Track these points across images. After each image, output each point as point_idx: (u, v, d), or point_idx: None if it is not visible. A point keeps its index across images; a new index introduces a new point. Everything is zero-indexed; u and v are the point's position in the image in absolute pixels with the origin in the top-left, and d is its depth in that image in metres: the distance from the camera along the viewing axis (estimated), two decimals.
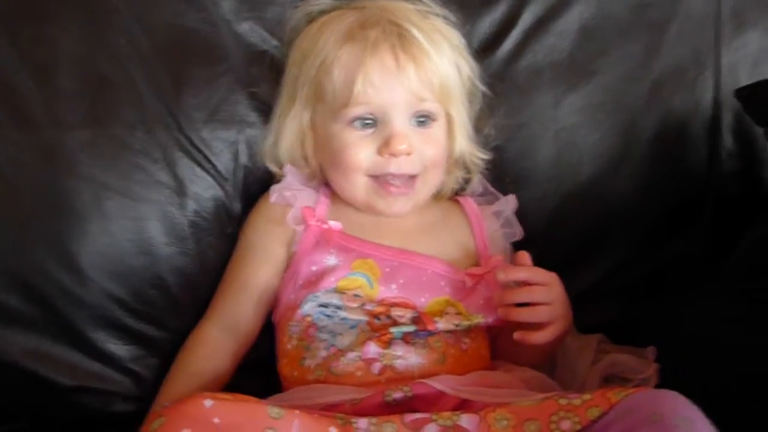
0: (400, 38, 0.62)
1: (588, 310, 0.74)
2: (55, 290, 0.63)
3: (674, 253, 0.78)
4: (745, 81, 0.77)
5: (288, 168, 0.68)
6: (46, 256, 0.62)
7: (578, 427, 0.49)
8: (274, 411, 0.48)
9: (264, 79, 0.69)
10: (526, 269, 0.61)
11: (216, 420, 0.45)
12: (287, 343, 0.63)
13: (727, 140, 0.77)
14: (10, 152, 0.62)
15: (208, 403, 0.46)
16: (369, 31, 0.62)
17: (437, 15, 0.69)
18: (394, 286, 0.63)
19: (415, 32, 0.63)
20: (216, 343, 0.64)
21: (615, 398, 0.50)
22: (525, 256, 0.62)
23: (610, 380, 0.66)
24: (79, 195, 0.62)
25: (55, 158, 0.62)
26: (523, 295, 0.60)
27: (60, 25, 0.64)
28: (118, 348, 0.65)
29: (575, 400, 0.51)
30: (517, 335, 0.60)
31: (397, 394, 0.55)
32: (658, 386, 0.64)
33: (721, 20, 0.77)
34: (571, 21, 0.74)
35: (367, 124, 0.63)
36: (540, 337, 0.59)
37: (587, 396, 0.51)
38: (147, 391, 0.65)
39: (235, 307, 0.66)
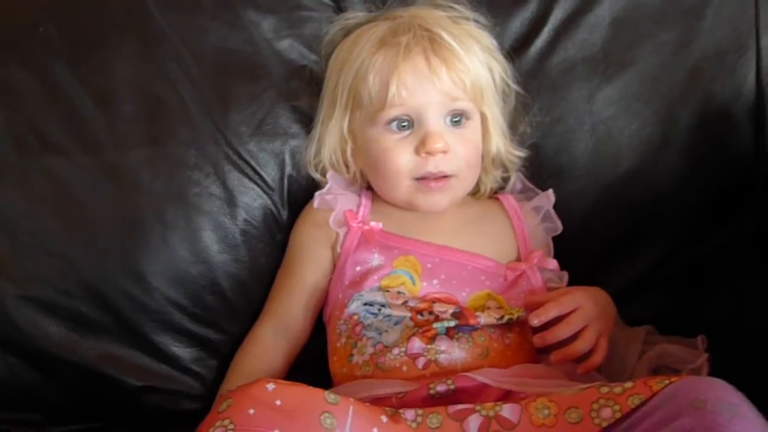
0: (431, 42, 0.65)
1: (634, 303, 0.75)
2: (123, 298, 0.67)
3: (722, 240, 0.76)
4: None
5: (330, 174, 0.71)
6: (114, 267, 0.67)
7: (619, 414, 0.50)
8: (331, 397, 0.50)
9: (304, 92, 0.73)
10: (554, 306, 0.61)
11: (278, 402, 0.48)
12: (336, 341, 0.66)
13: None
14: (78, 173, 0.67)
15: (270, 386, 0.50)
16: (401, 37, 0.65)
17: (468, 19, 0.72)
18: (435, 281, 0.65)
19: (446, 36, 0.66)
20: (269, 344, 0.68)
21: (657, 386, 0.50)
22: (544, 303, 0.62)
23: (659, 371, 0.66)
24: (141, 209, 0.67)
25: (119, 176, 0.67)
26: (563, 331, 0.61)
27: (116, 52, 0.70)
28: (180, 350, 0.70)
29: (616, 389, 0.52)
30: (580, 368, 0.61)
31: (441, 387, 0.57)
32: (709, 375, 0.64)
33: (760, 1, 0.76)
34: (602, 14, 0.74)
35: (404, 126, 0.66)
36: (598, 358, 0.61)
37: (629, 384, 0.52)
38: (209, 389, 0.70)
39: (286, 310, 0.69)
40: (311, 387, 0.52)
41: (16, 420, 0.69)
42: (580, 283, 0.69)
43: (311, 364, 0.69)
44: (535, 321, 0.61)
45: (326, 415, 0.49)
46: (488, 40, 0.71)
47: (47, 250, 0.66)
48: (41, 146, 0.67)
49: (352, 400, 0.52)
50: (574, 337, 0.61)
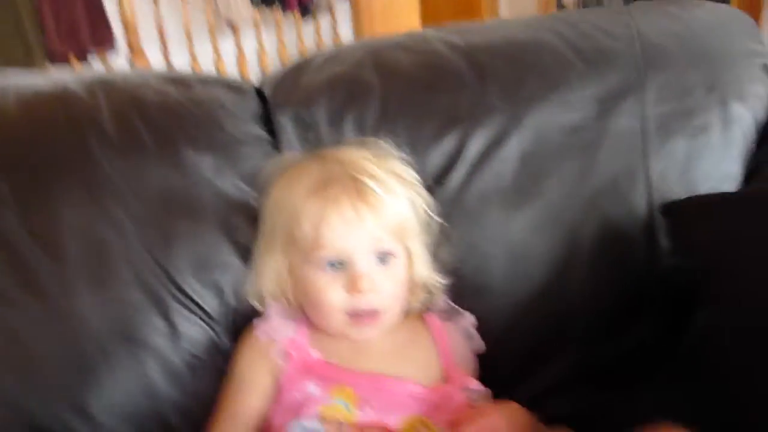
0: (357, 191, 0.72)
1: (552, 405, 0.82)
2: None
3: (629, 345, 0.85)
4: (675, 186, 0.86)
5: (270, 304, 0.76)
6: (63, 408, 0.70)
7: None
8: None
9: (244, 227, 0.78)
10: (473, 428, 0.68)
11: None
12: None
13: (663, 241, 0.85)
14: (26, 317, 0.70)
15: None
16: (330, 188, 0.72)
17: (392, 156, 0.79)
18: (369, 409, 0.71)
19: (371, 183, 0.72)
20: None
21: None
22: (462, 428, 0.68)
23: None
24: (88, 350, 0.71)
25: (66, 320, 0.71)
26: None
27: (63, 199, 0.73)
28: None
29: None
30: None
31: None
32: None
33: (647, 133, 0.86)
34: (511, 149, 0.83)
35: (335, 266, 0.72)
36: None
37: None
38: None
39: None
40: None
41: None
42: (503, 389, 0.76)
43: None
44: None
45: None
46: (411, 176, 0.79)
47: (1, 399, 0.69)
48: None
49: None
50: None
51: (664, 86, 0.88)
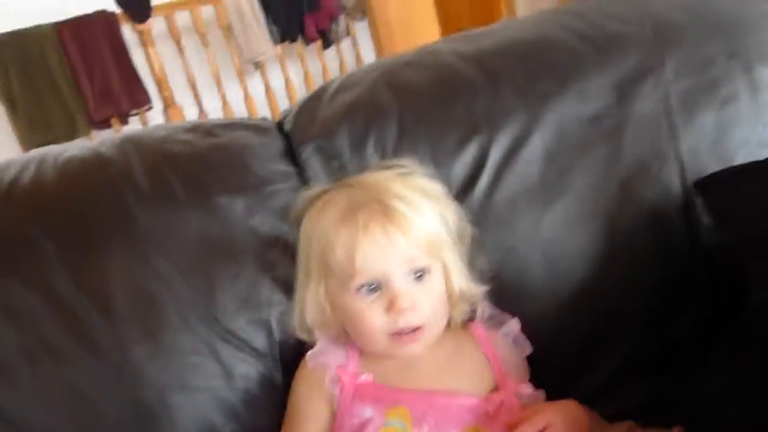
0: (385, 215, 0.73)
1: (611, 400, 0.81)
2: None
3: (681, 331, 0.83)
4: (707, 160, 0.84)
5: (317, 334, 0.78)
6: None
7: None
8: None
9: (281, 262, 0.80)
10: (528, 426, 0.68)
11: None
12: None
13: (704, 218, 0.83)
14: (84, 374, 0.74)
15: None
16: (359, 214, 0.73)
17: (417, 173, 0.80)
18: (425, 427, 0.71)
19: (398, 204, 0.73)
20: None
21: None
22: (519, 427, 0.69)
23: None
24: (147, 399, 0.74)
25: (123, 373, 0.74)
26: None
27: (108, 256, 0.77)
28: None
29: None
30: None
31: None
32: None
33: (672, 111, 0.85)
34: (534, 148, 0.83)
35: (372, 289, 0.73)
36: None
37: None
38: None
39: None
40: None
41: None
42: (559, 389, 0.75)
43: None
44: None
45: None
46: (438, 190, 0.79)
47: None
48: (51, 357, 0.73)
49: None
50: None
51: (683, 61, 0.86)
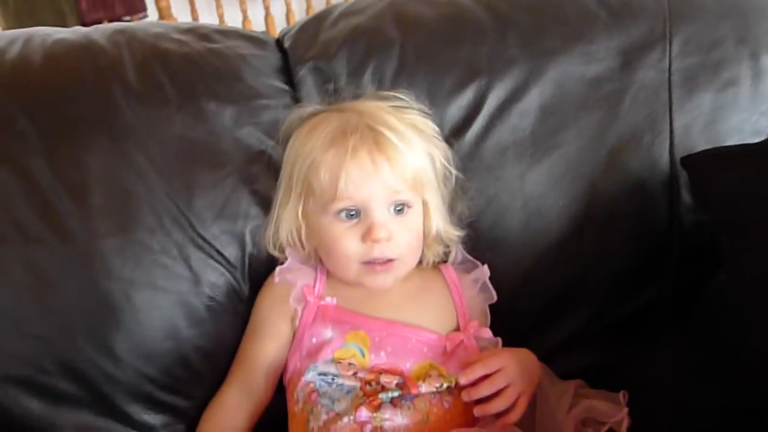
0: (375, 142, 0.72)
1: (567, 358, 0.84)
2: (97, 373, 0.74)
3: (644, 301, 0.86)
4: (698, 140, 0.84)
5: (289, 251, 0.78)
6: (88, 346, 0.73)
7: None
8: None
9: (263, 177, 0.79)
10: (481, 366, 0.70)
11: None
12: (294, 405, 0.73)
13: (685, 196, 0.84)
14: (52, 257, 0.73)
15: None
16: (349, 138, 0.72)
17: (411, 109, 0.79)
18: (382, 354, 0.73)
19: (389, 134, 0.73)
20: (234, 405, 0.75)
21: None
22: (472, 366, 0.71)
23: (586, 423, 0.75)
24: (112, 293, 0.73)
25: (92, 264, 0.73)
26: (486, 389, 0.69)
27: (89, 148, 0.75)
28: (151, 418, 0.76)
29: None
30: (499, 422, 0.69)
31: None
32: (629, 429, 0.72)
33: (672, 85, 0.85)
34: (531, 102, 0.82)
35: (351, 215, 0.73)
36: (515, 415, 0.70)
37: None
38: None
39: (249, 376, 0.76)
40: None
41: None
42: (516, 341, 0.77)
43: (271, 423, 0.76)
44: (463, 379, 0.70)
45: None
46: (430, 128, 0.79)
47: (26, 332, 0.72)
48: (21, 237, 0.72)
49: None
50: (498, 395, 0.70)
51: (692, 38, 0.85)
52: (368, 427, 0.68)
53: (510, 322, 0.80)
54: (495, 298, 0.79)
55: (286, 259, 0.78)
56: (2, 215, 0.73)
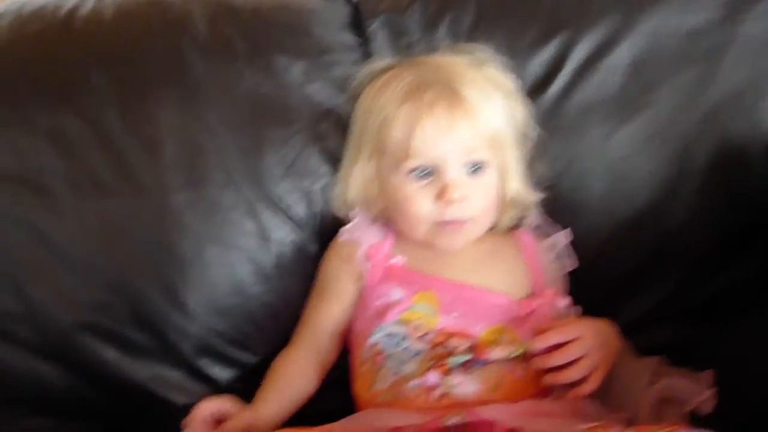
0: (452, 97, 0.69)
1: (647, 334, 0.78)
2: (169, 325, 0.75)
3: (731, 279, 0.79)
4: None
5: (357, 211, 0.76)
6: (161, 297, 0.74)
7: None
8: None
9: (333, 134, 0.77)
10: (556, 333, 0.66)
11: None
12: (360, 366, 0.72)
13: None
14: (127, 213, 0.74)
15: None
16: (425, 93, 0.69)
17: (491, 63, 0.75)
18: (452, 316, 0.70)
19: (468, 90, 0.69)
20: (303, 362, 0.74)
21: None
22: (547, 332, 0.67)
23: (666, 403, 0.70)
24: (183, 247, 0.74)
25: (163, 217, 0.74)
26: (559, 358, 0.66)
27: (160, 102, 0.75)
28: (220, 372, 0.77)
29: None
30: (570, 394, 0.66)
31: (454, 420, 0.62)
32: (714, 411, 0.67)
33: None
34: (620, 56, 0.76)
35: (424, 174, 0.70)
36: (588, 388, 0.66)
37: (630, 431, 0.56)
38: None
39: (316, 336, 0.75)
40: None
41: (78, 429, 0.78)
42: (593, 313, 0.73)
43: (338, 382, 0.75)
44: (537, 345, 0.67)
45: None
46: (511, 84, 0.75)
47: (101, 282, 0.74)
48: (95, 189, 0.74)
49: None
50: (571, 365, 0.66)
51: None
52: (437, 392, 0.66)
53: (586, 292, 0.76)
54: (575, 264, 0.75)
55: (354, 218, 0.76)
56: (78, 167, 0.74)
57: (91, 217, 0.74)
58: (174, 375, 0.76)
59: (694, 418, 0.67)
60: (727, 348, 0.75)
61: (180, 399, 0.76)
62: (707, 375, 0.70)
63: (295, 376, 0.73)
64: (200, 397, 0.76)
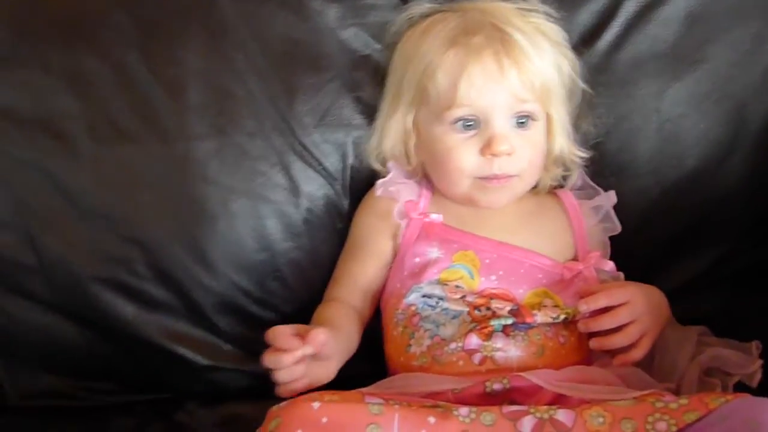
0: (503, 43, 0.64)
1: (690, 302, 0.75)
2: (191, 281, 0.71)
3: None
4: None
5: (392, 164, 0.72)
6: (183, 252, 0.70)
7: (674, 429, 0.51)
8: (375, 408, 0.52)
9: (368, 83, 0.73)
10: (605, 295, 0.63)
11: (324, 419, 0.50)
12: (393, 329, 0.68)
13: None
14: (150, 161, 0.70)
15: (315, 405, 0.51)
16: (472, 37, 0.65)
17: (538, 12, 0.70)
18: (493, 277, 0.67)
19: (518, 36, 0.65)
20: (345, 312, 0.68)
21: (713, 404, 0.51)
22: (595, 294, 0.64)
23: (711, 374, 0.67)
24: (208, 198, 0.70)
25: (188, 166, 0.70)
26: (607, 322, 0.62)
27: (186, 44, 0.71)
28: (243, 331, 0.73)
29: (672, 404, 0.52)
30: (616, 360, 0.63)
31: (497, 385, 0.59)
32: (763, 383, 0.64)
33: None
34: (676, 8, 0.73)
35: (469, 125, 0.66)
36: (636, 354, 0.63)
37: (684, 400, 0.53)
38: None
39: (349, 294, 0.71)
40: (355, 398, 0.53)
41: (93, 388, 0.75)
42: (637, 279, 0.69)
43: (366, 347, 0.72)
44: (584, 307, 0.63)
45: (372, 426, 0.50)
46: (558, 35, 0.70)
47: (120, 234, 0.70)
48: (115, 134, 0.69)
49: (396, 406, 0.52)
50: (620, 329, 0.63)
51: None
52: (477, 356, 0.62)
53: (630, 257, 0.72)
54: (619, 229, 0.71)
55: (390, 172, 0.72)
56: (96, 110, 0.70)
57: (110, 164, 0.69)
58: (195, 333, 0.72)
59: (740, 390, 0.64)
60: None
61: (201, 359, 0.72)
62: (755, 345, 0.66)
63: (344, 323, 0.67)
64: (222, 357, 0.73)
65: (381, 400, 0.53)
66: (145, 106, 0.70)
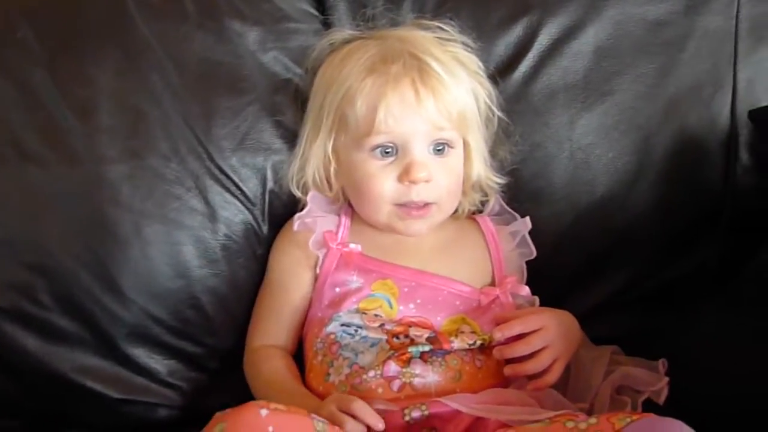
0: (420, 72, 0.65)
1: (602, 323, 0.78)
2: (99, 311, 0.68)
3: (688, 267, 0.80)
4: (762, 96, 0.78)
5: (311, 195, 0.71)
6: (91, 280, 0.67)
7: None
8: (319, 425, 0.52)
9: (288, 107, 0.73)
10: (519, 323, 0.64)
11: (270, 429, 0.49)
12: (313, 358, 0.67)
13: (744, 156, 0.78)
14: (56, 185, 0.66)
15: (263, 412, 0.50)
16: (391, 65, 0.65)
17: (456, 42, 0.72)
18: (412, 305, 0.67)
19: (435, 65, 0.66)
20: (273, 350, 0.69)
21: (619, 424, 0.52)
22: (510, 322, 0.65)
23: (622, 391, 0.69)
24: (120, 223, 0.67)
25: (98, 190, 0.67)
26: (521, 349, 0.63)
27: (98, 63, 0.68)
28: (157, 363, 0.71)
29: (581, 424, 0.54)
30: (530, 386, 0.63)
31: (416, 413, 0.59)
32: (668, 399, 0.67)
33: (738, 36, 0.78)
34: (585, 42, 0.76)
35: (387, 152, 0.66)
36: (549, 379, 0.64)
37: (593, 420, 0.54)
38: (188, 400, 0.71)
39: (276, 329, 0.70)
40: (302, 412, 0.53)
41: None
42: (551, 302, 0.71)
43: None
44: (498, 335, 0.64)
45: None
46: (475, 64, 0.72)
47: (21, 261, 0.66)
48: (18, 156, 0.66)
49: (337, 428, 0.53)
50: (533, 356, 0.64)
51: None
52: (396, 383, 0.62)
53: (544, 279, 0.74)
54: (534, 254, 0.73)
55: (309, 201, 0.71)
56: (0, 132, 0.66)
57: (13, 187, 0.66)
58: (104, 365, 0.69)
59: (648, 408, 0.67)
60: (681, 336, 0.76)
61: (112, 392, 0.69)
62: (661, 363, 0.70)
63: (296, 373, 0.67)
64: (135, 390, 0.70)
65: (325, 420, 0.53)
66: (51, 127, 0.67)
